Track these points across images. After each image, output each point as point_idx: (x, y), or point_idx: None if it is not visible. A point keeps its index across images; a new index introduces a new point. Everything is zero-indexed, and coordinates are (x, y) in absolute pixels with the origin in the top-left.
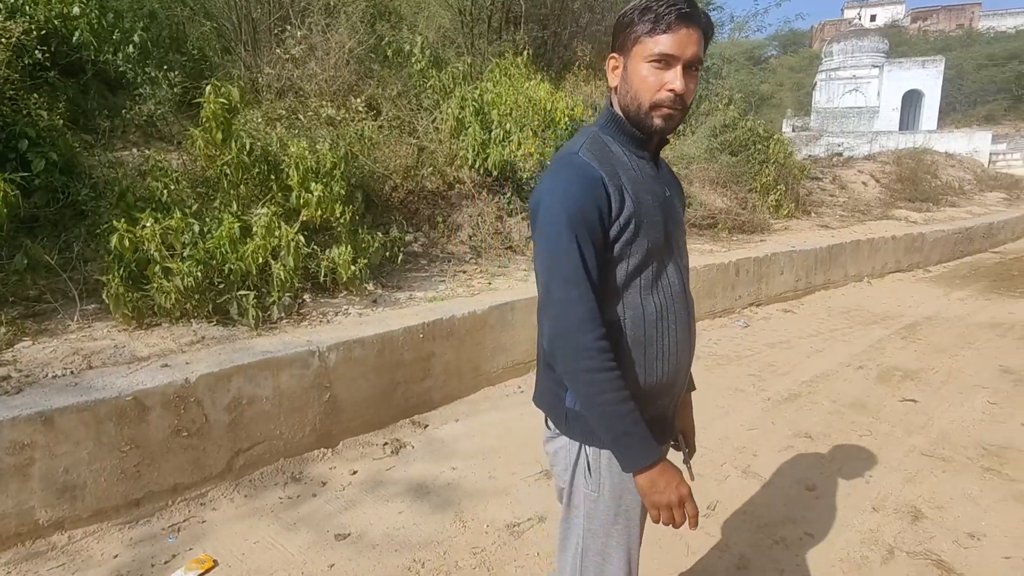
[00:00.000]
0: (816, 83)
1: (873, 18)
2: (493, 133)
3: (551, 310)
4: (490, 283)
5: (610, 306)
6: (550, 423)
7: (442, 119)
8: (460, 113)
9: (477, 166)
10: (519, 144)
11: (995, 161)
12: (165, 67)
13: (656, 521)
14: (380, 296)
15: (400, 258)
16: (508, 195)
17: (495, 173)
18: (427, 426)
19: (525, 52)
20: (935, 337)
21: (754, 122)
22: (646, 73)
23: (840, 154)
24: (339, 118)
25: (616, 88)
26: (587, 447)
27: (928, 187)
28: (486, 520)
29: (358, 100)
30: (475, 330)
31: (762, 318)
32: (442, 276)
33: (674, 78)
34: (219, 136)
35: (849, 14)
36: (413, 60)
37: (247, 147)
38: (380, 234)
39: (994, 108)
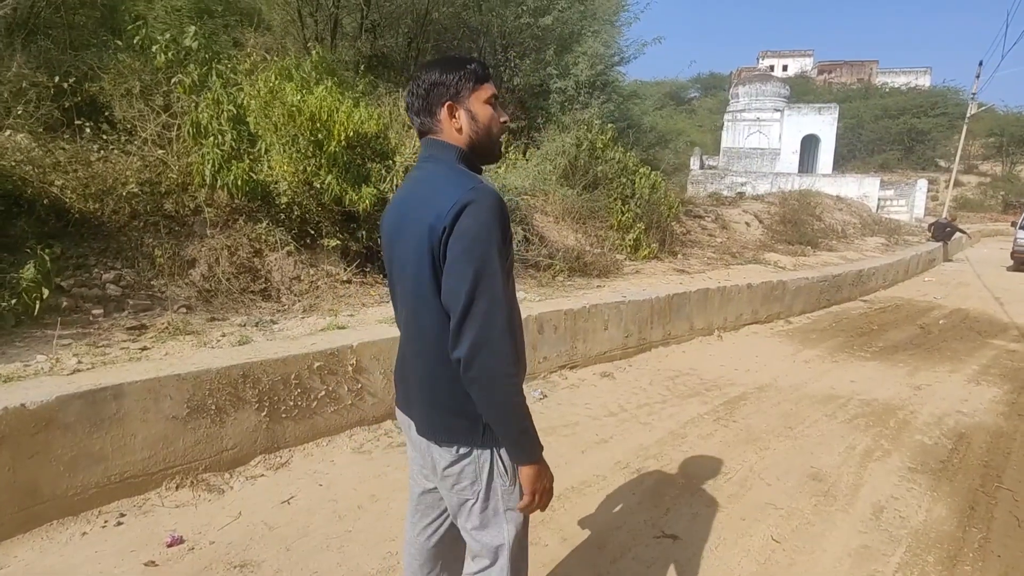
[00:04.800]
0: (724, 124)
1: (785, 68)
2: (257, 146)
3: (476, 323)
4: (144, 349)
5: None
6: (454, 449)
7: (184, 123)
8: (211, 119)
9: (219, 186)
10: (277, 162)
11: (883, 206)
12: None
13: (528, 506)
14: None
15: (36, 308)
16: (264, 224)
17: (238, 197)
18: None
19: (315, 51)
20: (756, 417)
21: (624, 154)
22: (490, 111)
23: (743, 193)
24: None
25: (460, 128)
26: (499, 450)
27: (809, 230)
28: None
29: None
30: (28, 433)
31: (571, 385)
32: (89, 335)
33: (502, 113)
34: None
35: (765, 63)
36: (155, 50)
37: None
38: None
39: (889, 157)
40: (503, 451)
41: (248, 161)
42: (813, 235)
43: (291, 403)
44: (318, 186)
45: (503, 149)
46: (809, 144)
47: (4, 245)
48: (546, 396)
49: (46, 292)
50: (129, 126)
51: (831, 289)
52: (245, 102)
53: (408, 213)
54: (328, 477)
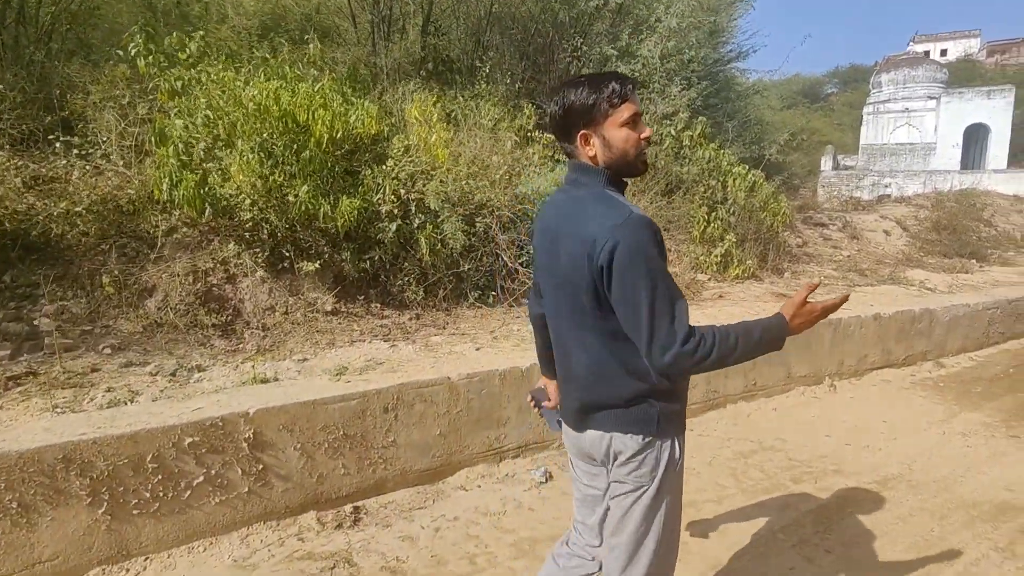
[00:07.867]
0: (863, 118)
1: (944, 52)
2: (233, 154)
3: (664, 322)
4: None
5: None
6: (633, 441)
7: (152, 131)
8: (183, 125)
9: (176, 201)
10: (240, 170)
11: None
12: None
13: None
14: None
15: None
16: (231, 245)
17: (195, 214)
18: None
19: (313, 46)
20: (869, 546)
21: (716, 151)
22: (624, 134)
23: (887, 195)
24: None
25: (594, 156)
26: (677, 438)
27: (974, 238)
28: None
29: None
30: None
31: None
32: None
33: (643, 129)
34: None
35: (917, 49)
36: (134, 53)
37: None
38: None
39: None
40: (679, 438)
41: (209, 171)
42: (979, 245)
43: (147, 494)
44: (292, 199)
45: (645, 161)
46: (975, 136)
47: None
48: (551, 479)
49: None
50: (104, 138)
51: (1007, 318)
52: (217, 104)
53: (562, 237)
54: None
